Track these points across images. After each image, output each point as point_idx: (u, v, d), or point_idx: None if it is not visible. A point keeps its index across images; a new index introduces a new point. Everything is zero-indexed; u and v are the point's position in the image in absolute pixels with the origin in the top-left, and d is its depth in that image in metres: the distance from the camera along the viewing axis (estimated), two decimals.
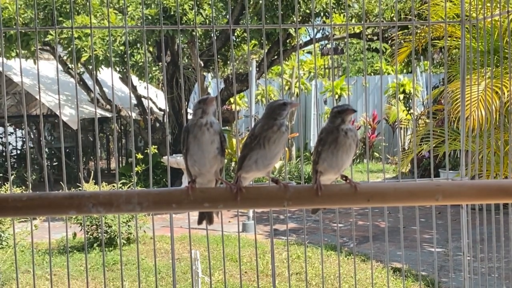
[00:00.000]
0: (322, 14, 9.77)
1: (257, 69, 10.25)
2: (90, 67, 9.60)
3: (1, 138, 12.26)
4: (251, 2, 9.43)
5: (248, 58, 6.75)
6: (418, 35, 6.44)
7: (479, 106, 4.65)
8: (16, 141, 12.77)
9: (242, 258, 6.08)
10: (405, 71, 15.38)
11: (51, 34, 8.77)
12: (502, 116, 4.17)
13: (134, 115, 11.47)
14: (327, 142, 1.68)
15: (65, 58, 10.11)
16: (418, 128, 7.16)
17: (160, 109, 11.92)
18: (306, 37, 14.11)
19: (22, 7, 8.93)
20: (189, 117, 12.64)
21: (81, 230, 6.54)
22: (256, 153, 1.65)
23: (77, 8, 9.02)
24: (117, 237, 6.64)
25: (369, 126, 14.67)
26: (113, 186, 6.39)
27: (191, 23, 8.58)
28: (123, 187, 7.16)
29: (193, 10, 8.66)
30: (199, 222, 1.76)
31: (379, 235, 7.19)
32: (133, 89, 10.81)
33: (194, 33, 8.42)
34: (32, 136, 12.38)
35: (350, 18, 10.28)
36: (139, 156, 8.23)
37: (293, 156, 14.16)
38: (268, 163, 1.67)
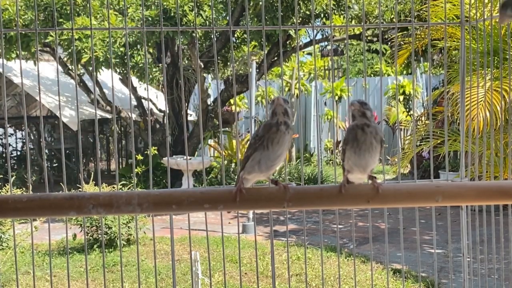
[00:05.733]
0: (322, 15, 9.78)
1: (257, 70, 10.25)
2: (90, 68, 9.61)
3: (1, 139, 12.26)
4: (251, 4, 9.43)
5: (248, 59, 6.76)
6: (418, 36, 6.44)
7: (484, 107, 4.65)
8: (16, 142, 12.77)
9: (242, 260, 6.08)
10: (405, 72, 15.38)
11: (51, 36, 8.78)
12: (502, 118, 4.17)
13: (134, 116, 11.48)
14: (351, 141, 1.68)
15: (65, 59, 10.11)
16: (418, 129, 7.16)
17: (160, 110, 11.92)
18: (306, 38, 14.12)
19: (22, 9, 8.93)
20: (189, 118, 12.64)
21: (81, 231, 6.54)
22: (259, 153, 1.65)
23: (77, 10, 9.03)
24: (117, 238, 6.64)
25: None
26: (113, 187, 6.38)
27: (191, 24, 8.58)
28: (123, 188, 7.16)
29: (193, 12, 8.67)
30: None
31: (379, 236, 7.19)
32: (133, 90, 10.81)
33: (194, 34, 8.43)
34: (32, 137, 12.39)
35: (350, 20, 10.29)
36: (139, 157, 8.22)
37: (293, 157, 14.16)
38: (271, 164, 1.66)
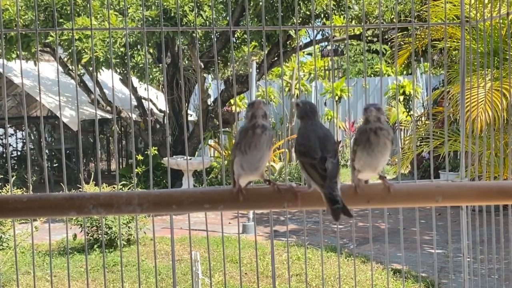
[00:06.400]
0: (322, 15, 9.78)
1: (257, 70, 10.25)
2: (91, 68, 9.62)
3: (2, 139, 12.26)
4: (251, 4, 9.43)
5: (248, 59, 6.77)
6: (418, 36, 6.45)
7: (484, 108, 4.66)
8: (17, 143, 12.77)
9: (242, 260, 6.09)
10: (405, 72, 15.38)
11: (52, 36, 8.78)
12: (502, 118, 4.17)
13: (134, 116, 11.48)
14: (362, 142, 1.70)
15: (65, 59, 10.11)
16: (418, 129, 7.17)
17: (160, 111, 11.92)
18: (306, 38, 14.12)
19: (22, 9, 8.94)
20: (190, 118, 12.62)
21: (81, 231, 6.54)
22: (239, 159, 1.67)
23: (78, 10, 9.03)
24: (117, 239, 6.64)
25: None
26: (114, 187, 6.38)
27: (192, 24, 8.58)
28: (123, 188, 7.16)
29: (193, 12, 8.67)
30: (336, 218, 1.60)
31: (379, 237, 7.19)
32: (134, 90, 10.81)
33: (194, 34, 8.43)
34: (33, 138, 12.39)
35: (350, 20, 10.29)
36: (139, 157, 8.23)
37: (293, 158, 14.16)
38: (255, 167, 1.67)
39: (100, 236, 6.61)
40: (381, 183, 1.70)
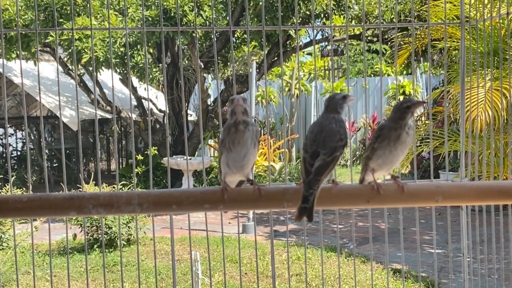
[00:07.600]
0: (322, 15, 9.78)
1: (257, 70, 10.25)
2: (91, 68, 9.62)
3: (2, 139, 12.26)
4: (251, 4, 9.43)
5: (248, 59, 6.76)
6: (418, 36, 6.44)
7: (484, 107, 4.66)
8: (17, 143, 12.77)
9: (242, 260, 6.08)
10: (405, 72, 15.38)
11: (52, 36, 8.78)
12: (502, 118, 4.17)
13: (134, 116, 11.48)
14: (387, 139, 1.66)
15: (65, 59, 10.11)
16: (418, 129, 7.16)
17: (160, 111, 11.92)
18: (306, 38, 14.12)
19: (22, 9, 8.93)
20: (189, 118, 12.60)
21: (81, 231, 6.54)
22: (225, 156, 1.66)
23: (78, 10, 9.02)
24: (117, 238, 6.64)
25: (369, 128, 14.68)
26: (114, 187, 6.38)
27: (191, 24, 8.58)
28: (123, 188, 7.16)
29: (193, 12, 8.67)
30: (298, 218, 1.60)
31: (379, 237, 7.19)
32: (133, 90, 10.81)
33: (194, 34, 8.43)
34: (33, 138, 12.38)
35: (350, 20, 10.29)
36: (139, 157, 8.22)
37: (293, 157, 14.16)
38: (240, 165, 1.67)
39: (100, 236, 6.61)
40: (392, 183, 1.69)
